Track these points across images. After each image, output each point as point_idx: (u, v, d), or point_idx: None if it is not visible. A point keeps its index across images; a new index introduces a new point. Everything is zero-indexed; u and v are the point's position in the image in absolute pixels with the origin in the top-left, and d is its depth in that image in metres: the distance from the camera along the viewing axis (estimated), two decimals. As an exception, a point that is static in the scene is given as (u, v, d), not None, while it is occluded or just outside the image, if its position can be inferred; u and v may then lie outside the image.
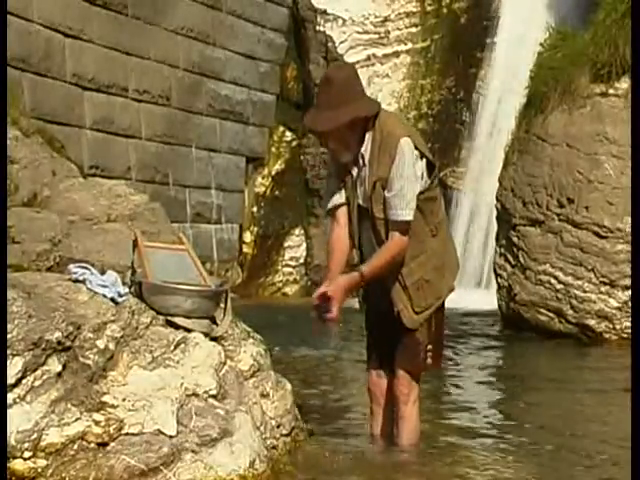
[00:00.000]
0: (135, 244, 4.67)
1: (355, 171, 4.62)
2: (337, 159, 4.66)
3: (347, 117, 4.48)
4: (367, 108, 4.56)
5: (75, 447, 3.95)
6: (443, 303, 4.78)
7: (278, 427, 4.61)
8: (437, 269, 4.65)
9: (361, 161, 4.59)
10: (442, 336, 4.83)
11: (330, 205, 4.73)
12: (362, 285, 4.61)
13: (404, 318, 4.64)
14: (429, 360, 4.72)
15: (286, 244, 15.56)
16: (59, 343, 4.05)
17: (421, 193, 4.56)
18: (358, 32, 16.21)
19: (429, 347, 4.70)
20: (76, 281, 4.43)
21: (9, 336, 3.94)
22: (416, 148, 4.53)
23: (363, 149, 4.56)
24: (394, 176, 4.48)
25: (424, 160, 4.56)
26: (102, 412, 4.04)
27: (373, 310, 4.83)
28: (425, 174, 4.57)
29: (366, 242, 4.68)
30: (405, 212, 4.48)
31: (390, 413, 4.83)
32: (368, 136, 4.55)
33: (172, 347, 4.33)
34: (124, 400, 4.09)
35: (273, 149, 16.14)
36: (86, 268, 4.51)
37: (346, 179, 4.65)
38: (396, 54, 16.23)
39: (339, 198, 4.69)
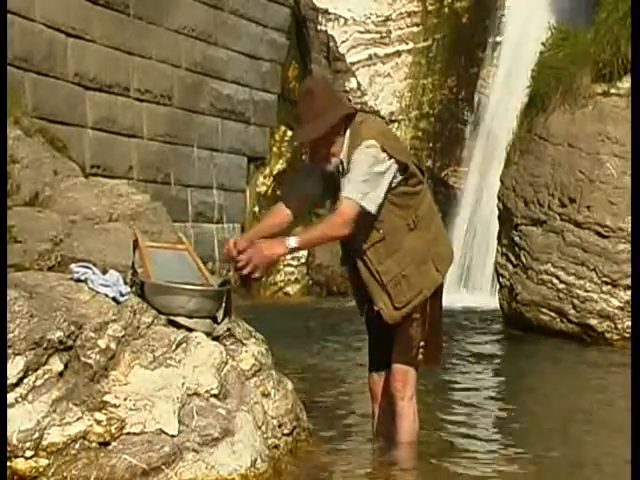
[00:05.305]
0: (135, 244, 4.67)
1: (337, 177, 4.71)
2: (322, 168, 4.75)
3: (337, 117, 4.63)
4: (349, 108, 4.83)
5: (77, 446, 3.96)
6: (440, 300, 4.81)
7: (279, 427, 4.62)
8: (417, 264, 4.68)
9: (340, 167, 4.69)
10: (439, 333, 4.85)
11: (290, 194, 4.91)
12: (288, 252, 4.55)
13: (384, 316, 4.70)
14: (421, 356, 4.75)
15: (287, 243, 15.52)
16: (61, 342, 4.05)
17: (394, 188, 4.63)
18: (360, 31, 16.19)
19: (422, 344, 4.73)
20: (78, 280, 4.44)
21: (11, 335, 3.95)
22: (384, 151, 4.58)
23: (342, 156, 4.67)
24: (350, 167, 4.58)
25: (392, 160, 4.61)
26: (104, 411, 4.04)
27: (369, 311, 4.85)
28: (397, 173, 4.62)
29: (347, 243, 4.74)
30: (353, 194, 4.52)
31: (390, 411, 4.85)
32: (346, 143, 4.66)
33: (174, 347, 4.33)
34: (126, 399, 4.10)
35: (274, 149, 16.13)
36: (88, 267, 4.51)
37: (328, 185, 4.76)
38: (398, 53, 16.22)
39: (299, 192, 4.85)
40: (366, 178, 4.54)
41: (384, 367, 4.88)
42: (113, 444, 3.99)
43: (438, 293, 4.80)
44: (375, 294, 4.70)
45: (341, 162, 4.67)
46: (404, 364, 4.76)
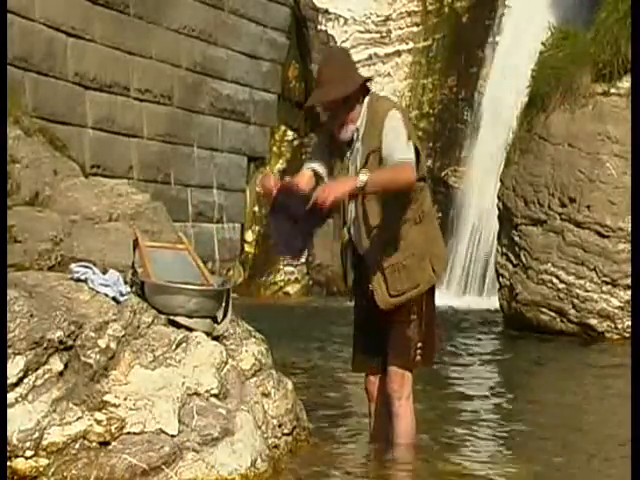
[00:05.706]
0: (136, 244, 4.67)
1: (350, 148, 4.72)
2: (336, 137, 4.73)
3: (359, 81, 4.70)
4: (366, 76, 4.87)
5: (77, 446, 3.96)
6: (434, 301, 4.81)
7: (279, 426, 4.61)
8: (416, 257, 4.71)
9: (355, 135, 4.71)
10: (434, 334, 4.86)
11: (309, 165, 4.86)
12: (358, 189, 4.54)
13: (377, 297, 4.70)
14: (419, 357, 4.75)
15: (288, 243, 15.52)
16: (61, 342, 4.05)
17: None
18: (360, 31, 16.20)
19: (419, 345, 4.73)
20: (78, 280, 4.44)
21: (11, 335, 3.95)
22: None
23: (358, 124, 4.70)
24: (385, 136, 4.58)
25: (411, 141, 4.63)
26: (104, 411, 4.04)
27: (364, 307, 4.84)
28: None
29: (355, 225, 4.73)
30: (403, 156, 4.52)
31: (387, 412, 4.83)
32: (363, 112, 4.69)
33: (174, 346, 4.33)
34: (126, 399, 4.10)
35: (275, 148, 16.13)
36: (88, 267, 4.51)
37: (337, 157, 4.76)
38: (398, 53, 16.22)
39: (313, 166, 4.82)
40: (401, 137, 4.55)
41: (379, 367, 4.86)
42: (113, 444, 3.99)
43: (432, 293, 4.82)
44: (372, 276, 4.71)
45: (357, 130, 4.69)
46: (401, 367, 4.75)
